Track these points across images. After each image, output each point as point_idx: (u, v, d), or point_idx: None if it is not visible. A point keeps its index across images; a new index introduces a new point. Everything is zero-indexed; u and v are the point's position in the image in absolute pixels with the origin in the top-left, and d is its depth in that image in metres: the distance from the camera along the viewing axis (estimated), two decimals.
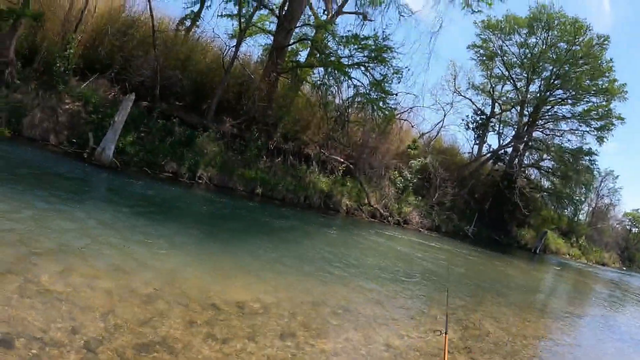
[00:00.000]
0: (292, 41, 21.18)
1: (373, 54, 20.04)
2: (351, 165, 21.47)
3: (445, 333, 3.88)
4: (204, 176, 15.43)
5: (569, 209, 33.11)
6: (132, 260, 6.20)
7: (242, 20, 18.59)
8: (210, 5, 20.58)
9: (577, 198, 32.25)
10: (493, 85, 31.26)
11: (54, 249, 5.92)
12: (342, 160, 21.29)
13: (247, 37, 20.19)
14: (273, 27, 21.53)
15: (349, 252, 11.83)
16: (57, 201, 8.49)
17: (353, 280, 8.60)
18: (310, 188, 18.97)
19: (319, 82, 20.94)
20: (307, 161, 19.48)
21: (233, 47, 18.52)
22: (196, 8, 20.33)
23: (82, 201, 9.46)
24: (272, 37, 21.23)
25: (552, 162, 30.81)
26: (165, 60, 16.75)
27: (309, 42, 21.49)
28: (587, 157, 29.60)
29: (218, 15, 21.03)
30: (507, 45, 29.89)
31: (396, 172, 24.85)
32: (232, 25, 21.71)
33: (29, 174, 10.65)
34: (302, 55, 23.09)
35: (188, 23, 19.93)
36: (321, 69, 21.00)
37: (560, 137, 30.17)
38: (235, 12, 19.66)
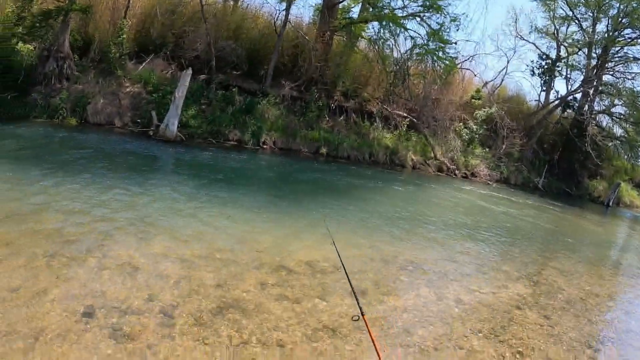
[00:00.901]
0: None
1: (427, 3, 18.84)
2: (414, 119, 20.45)
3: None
4: (268, 141, 15.20)
5: None
6: (204, 227, 6.30)
7: None
8: None
9: None
10: (557, 27, 28.29)
11: (130, 221, 6.22)
12: (404, 114, 20.28)
13: None
14: None
15: (417, 208, 11.40)
16: (129, 177, 8.94)
17: (423, 235, 8.34)
18: (375, 145, 18.24)
19: (374, 37, 19.90)
20: (369, 118, 18.73)
21: (283, 10, 17.99)
22: None
23: (151, 174, 9.81)
24: None
25: (625, 108, 27.71)
26: (217, 32, 16.59)
27: None
28: None
29: None
30: None
31: (461, 123, 23.38)
32: None
33: (100, 155, 11.15)
34: (355, 11, 22.07)
35: None
36: (375, 23, 19.93)
37: (632, 80, 26.96)
38: None
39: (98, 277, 4.57)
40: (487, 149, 24.01)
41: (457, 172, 21.20)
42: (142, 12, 17.24)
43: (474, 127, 23.49)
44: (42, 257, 4.85)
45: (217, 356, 3.53)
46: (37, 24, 16.05)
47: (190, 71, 14.34)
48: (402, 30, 19.10)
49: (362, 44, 20.86)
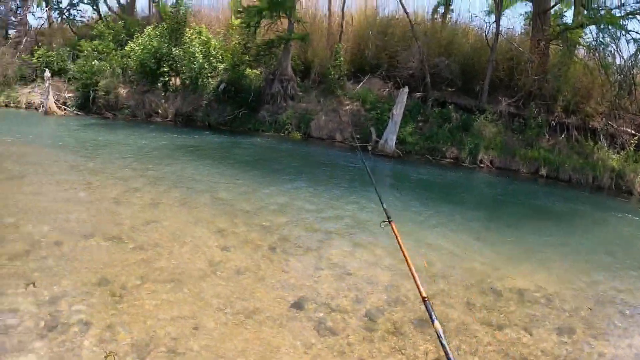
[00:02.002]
0: (553, 2, 18.80)
1: None
2: None
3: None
4: (485, 159, 14.71)
5: None
6: (412, 241, 6.37)
7: None
8: None
9: None
10: None
11: (343, 228, 6.81)
12: (633, 132, 17.67)
13: (505, 9, 18.74)
14: None
15: None
16: (345, 187, 9.79)
17: None
18: (599, 166, 16.16)
19: (593, 43, 17.98)
20: (592, 136, 16.73)
21: (493, 23, 17.36)
22: None
23: (366, 186, 10.24)
24: (531, 3, 19.22)
25: None
26: (429, 50, 16.74)
27: None
28: None
29: None
30: None
31: None
32: (486, 0, 20.44)
33: (324, 165, 12.44)
34: (568, 16, 20.35)
35: (442, 10, 19.52)
36: (593, 27, 18.03)
37: None
38: None
39: (312, 274, 4.99)
40: None
41: None
42: (355, 36, 18.28)
43: None
44: (266, 249, 5.55)
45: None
46: (262, 52, 18.13)
47: (406, 89, 14.67)
48: (623, 32, 16.96)
49: (581, 52, 19.05)
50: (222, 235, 5.91)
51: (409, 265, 2.63)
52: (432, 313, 2.15)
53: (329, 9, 19.32)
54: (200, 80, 17.88)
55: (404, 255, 2.75)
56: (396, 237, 2.96)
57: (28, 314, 3.71)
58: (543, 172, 14.94)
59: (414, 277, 2.51)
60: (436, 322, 2.07)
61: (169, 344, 3.50)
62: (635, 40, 17.02)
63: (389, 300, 4.58)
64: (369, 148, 14.83)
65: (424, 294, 2.32)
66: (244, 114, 17.35)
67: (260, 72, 18.44)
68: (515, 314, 4.79)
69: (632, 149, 17.38)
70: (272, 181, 9.63)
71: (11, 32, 25.65)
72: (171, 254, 5.17)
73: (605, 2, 17.52)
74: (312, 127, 16.34)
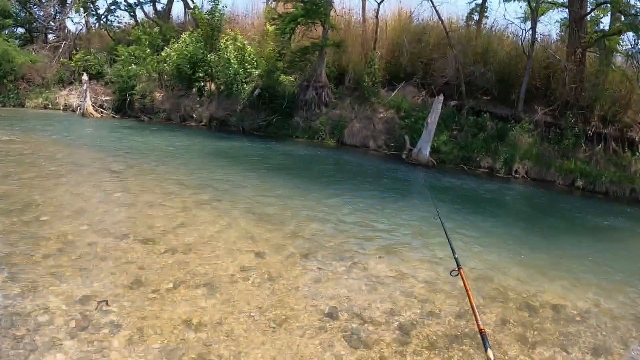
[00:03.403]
0: (589, 8, 18.47)
1: None
2: None
3: None
4: (520, 170, 14.61)
5: None
6: (442, 253, 6.27)
7: None
8: None
9: None
10: None
11: (380, 239, 6.77)
12: None
13: (540, 16, 18.48)
14: None
15: None
16: (380, 196, 9.82)
17: None
18: (637, 179, 15.83)
19: (631, 50, 17.66)
20: (630, 146, 16.41)
21: (529, 30, 17.21)
22: (480, 0, 19.68)
23: (401, 195, 10.51)
24: (567, 10, 18.94)
25: None
26: (464, 57, 16.67)
27: (609, 5, 18.35)
28: None
29: (504, 0, 19.90)
30: None
31: None
32: (521, 7, 20.22)
33: (358, 173, 12.45)
34: (605, 23, 19.94)
35: (476, 17, 19.40)
36: (630, 33, 17.67)
37: None
38: None
39: (345, 283, 4.96)
40: None
41: None
42: (390, 43, 18.30)
43: None
44: (298, 257, 5.56)
45: None
46: (296, 59, 18.29)
47: (441, 97, 14.62)
48: None
49: (619, 60, 18.72)
50: (255, 241, 5.95)
51: (471, 303, 2.87)
52: (487, 342, 2.42)
53: (363, 16, 19.41)
54: (235, 86, 18.17)
55: (469, 298, 2.95)
56: (465, 285, 3.10)
57: (59, 312, 3.81)
58: (579, 184, 14.72)
59: (473, 310, 2.76)
60: (489, 351, 2.31)
61: (200, 349, 3.54)
62: None
63: (423, 314, 4.55)
64: (403, 156, 14.86)
65: (482, 326, 2.57)
66: (277, 119, 17.57)
67: (295, 79, 18.63)
68: (550, 331, 4.74)
69: None
70: (306, 188, 9.69)
71: (50, 37, 26.45)
72: (204, 258, 5.24)
73: None
74: (345, 134, 16.46)
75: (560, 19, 20.06)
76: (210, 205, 7.44)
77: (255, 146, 15.05)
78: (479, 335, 3.99)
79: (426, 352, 3.89)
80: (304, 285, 4.87)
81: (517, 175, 14.56)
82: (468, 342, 4.14)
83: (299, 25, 17.38)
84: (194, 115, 19.07)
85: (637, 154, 16.32)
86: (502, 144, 14.81)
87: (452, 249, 3.79)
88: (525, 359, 4.14)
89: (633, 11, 17.28)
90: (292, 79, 18.75)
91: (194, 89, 19.38)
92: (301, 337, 3.83)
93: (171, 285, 4.48)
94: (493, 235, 8.15)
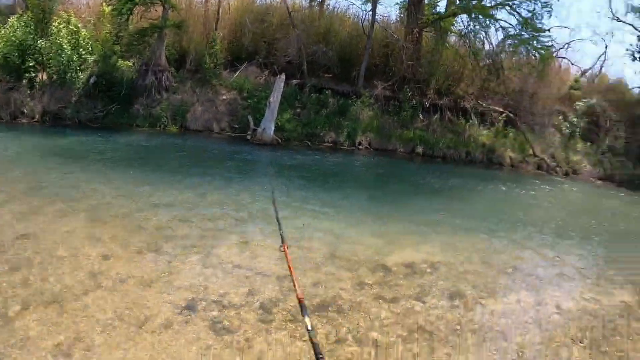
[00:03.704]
0: None
1: None
2: (511, 115, 19.09)
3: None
4: (363, 142, 14.97)
5: None
6: (300, 228, 6.33)
7: None
8: None
9: None
10: None
11: (231, 223, 6.54)
12: (501, 110, 19.04)
13: None
14: None
15: (516, 208, 10.68)
16: (228, 179, 9.37)
17: (523, 237, 7.87)
18: (471, 143, 17.32)
19: (464, 31, 19.00)
20: (464, 115, 17.74)
21: (370, 11, 17.67)
22: None
23: (248, 176, 10.12)
24: None
25: None
26: (306, 37, 16.72)
27: None
28: None
29: None
30: None
31: (560, 117, 21.57)
32: None
33: (201, 159, 11.76)
34: (441, 6, 21.30)
35: None
36: (464, 16, 19.04)
37: None
38: None
39: (199, 272, 4.77)
40: (589, 144, 22.04)
41: (557, 169, 19.51)
42: (232, 23, 17.70)
43: (574, 120, 21.63)
44: (148, 252, 5.16)
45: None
46: (135, 42, 16.89)
47: (283, 76, 14.43)
48: (493, 21, 18.13)
49: (452, 39, 20.03)
50: (102, 243, 5.33)
51: (292, 275, 2.93)
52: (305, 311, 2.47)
53: None
54: (68, 74, 16.22)
55: (290, 271, 3.01)
56: (287, 260, 3.21)
57: None
58: (419, 150, 15.45)
59: (293, 281, 2.80)
60: (306, 318, 2.35)
61: None
62: (503, 28, 18.29)
63: (283, 289, 4.49)
64: (248, 137, 14.35)
65: (300, 296, 2.59)
66: (117, 108, 16.04)
67: (133, 63, 17.16)
68: (406, 286, 4.93)
69: (500, 125, 18.65)
70: (150, 179, 8.92)
71: None
72: (49, 271, 4.56)
73: None
74: (188, 118, 15.51)
75: (400, 2, 20.97)
76: (48, 211, 6.36)
77: (93, 139, 13.50)
78: (334, 303, 4.33)
79: (290, 324, 3.90)
80: (157, 280, 4.54)
81: (361, 147, 14.87)
82: (330, 309, 4.23)
83: (137, 5, 16.03)
84: (25, 111, 16.69)
85: (470, 121, 17.57)
86: (344, 119, 15.05)
87: (279, 225, 3.86)
88: (387, 314, 4.26)
89: None
90: (131, 63, 17.25)
91: (24, 81, 16.95)
92: (165, 335, 3.64)
93: (19, 306, 3.87)
94: (341, 207, 8.17)
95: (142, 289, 4.32)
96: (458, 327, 4.17)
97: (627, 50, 27.69)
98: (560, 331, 4.48)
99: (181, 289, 4.37)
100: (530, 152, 19.21)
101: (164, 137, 14.33)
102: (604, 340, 4.44)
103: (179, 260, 5.02)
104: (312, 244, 5.82)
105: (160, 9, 16.35)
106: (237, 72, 16.23)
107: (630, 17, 26.88)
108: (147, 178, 8.95)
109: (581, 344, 4.25)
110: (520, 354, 3.93)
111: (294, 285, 2.73)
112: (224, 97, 15.74)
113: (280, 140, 14.15)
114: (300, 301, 2.54)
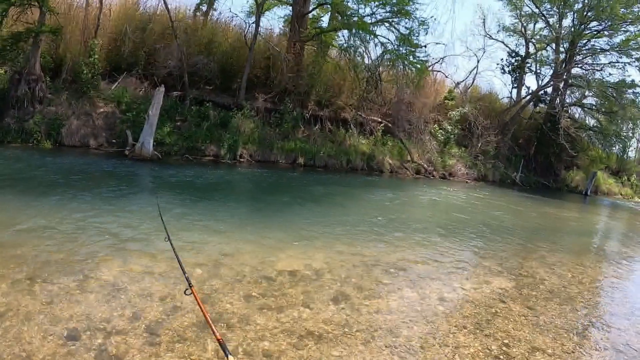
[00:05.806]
0: (311, 7, 20.47)
1: (395, 8, 19.19)
2: (389, 124, 20.78)
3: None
4: (245, 154, 15.27)
5: (617, 147, 31.65)
6: (181, 244, 6.20)
7: None
8: None
9: (625, 134, 30.75)
10: (524, 25, 29.12)
11: (109, 244, 6.16)
12: (379, 120, 20.63)
13: (265, 11, 19.70)
14: None
15: (396, 211, 11.51)
16: (104, 198, 8.80)
17: (403, 238, 8.45)
18: (352, 151, 18.50)
19: (345, 45, 20.18)
20: (344, 125, 18.91)
21: (253, 23, 18.11)
22: None
23: (125, 195, 9.64)
24: (290, 7, 20.59)
25: (595, 99, 28.76)
26: (188, 48, 16.61)
27: (329, 5, 20.68)
28: (631, 90, 27.12)
29: None
30: None
31: (436, 125, 23.85)
32: (248, 1, 21.19)
33: (75, 178, 10.93)
34: (324, 21, 22.39)
35: (204, 8, 19.56)
36: (345, 31, 20.20)
37: (601, 72, 27.93)
38: None
39: (80, 298, 4.56)
40: (464, 148, 24.50)
41: (434, 173, 21.57)
42: (112, 31, 17.08)
43: (448, 127, 23.93)
44: (25, 281, 4.83)
45: None
46: (7, 47, 15.71)
47: (163, 88, 14.22)
48: (372, 37, 19.44)
49: (334, 53, 21.10)
50: None
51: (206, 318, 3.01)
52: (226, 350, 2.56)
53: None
54: None
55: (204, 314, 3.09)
56: (198, 303, 3.22)
57: None
58: (300, 161, 16.19)
59: (209, 324, 2.91)
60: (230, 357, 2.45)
61: None
62: (382, 43, 19.66)
63: (166, 310, 4.36)
64: (126, 152, 14.00)
65: (219, 336, 2.67)
66: None
67: (5, 72, 15.96)
68: (292, 294, 4.98)
69: (379, 134, 20.13)
70: (20, 202, 8.05)
71: None
72: None
73: (358, 10, 19.62)
74: (63, 133, 14.70)
75: (285, 15, 21.72)
76: None
77: None
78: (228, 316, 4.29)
79: (178, 345, 3.80)
80: (37, 312, 4.16)
81: (242, 160, 15.16)
82: (217, 324, 4.13)
83: (12, 7, 14.86)
84: None
85: (350, 130, 18.75)
86: (225, 132, 15.19)
87: (182, 268, 3.88)
88: (275, 324, 4.27)
89: (349, 12, 19.64)
90: (2, 71, 16.05)
91: None
92: None
93: None
94: (221, 221, 8.08)
95: (20, 323, 4.03)
96: (347, 329, 4.33)
97: (497, 64, 31.20)
98: (444, 320, 4.83)
99: (62, 319, 4.13)
100: (408, 158, 20.96)
101: (36, 154, 13.37)
102: (486, 323, 4.86)
103: (59, 288, 4.74)
104: (192, 260, 5.73)
105: (37, 12, 15.39)
106: (116, 84, 15.78)
107: (501, 35, 30.21)
108: (18, 202, 8.05)
109: (465, 329, 4.64)
110: (408, 346, 4.17)
111: (211, 328, 2.82)
112: (102, 110, 15.19)
113: (160, 155, 13.99)
114: (220, 342, 2.60)
